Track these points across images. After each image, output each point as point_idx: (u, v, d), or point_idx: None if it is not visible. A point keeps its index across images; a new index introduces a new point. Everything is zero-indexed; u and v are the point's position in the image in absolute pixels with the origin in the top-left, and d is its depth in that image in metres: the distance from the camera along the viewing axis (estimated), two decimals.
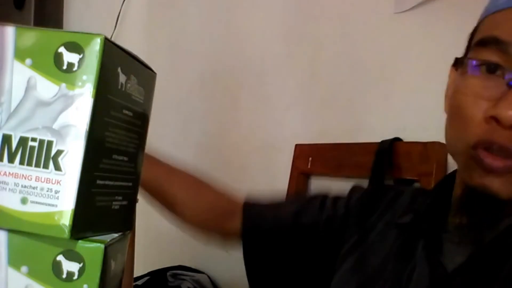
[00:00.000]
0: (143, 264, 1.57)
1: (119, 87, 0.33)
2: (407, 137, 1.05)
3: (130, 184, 0.37)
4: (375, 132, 1.13)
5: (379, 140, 1.07)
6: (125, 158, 0.35)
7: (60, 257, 0.31)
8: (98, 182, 0.32)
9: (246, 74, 1.51)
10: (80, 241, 0.31)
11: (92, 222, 0.32)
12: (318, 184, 1.28)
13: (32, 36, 0.31)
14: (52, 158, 0.30)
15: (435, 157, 0.95)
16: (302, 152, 1.28)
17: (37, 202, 0.30)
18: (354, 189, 0.69)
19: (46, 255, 0.31)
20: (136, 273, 1.24)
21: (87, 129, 0.30)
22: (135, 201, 0.38)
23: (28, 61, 0.31)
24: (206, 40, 1.66)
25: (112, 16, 1.82)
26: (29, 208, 0.31)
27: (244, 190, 1.50)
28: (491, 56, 0.48)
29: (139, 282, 1.50)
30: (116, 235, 0.34)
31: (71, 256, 0.31)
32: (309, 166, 1.25)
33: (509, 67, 0.47)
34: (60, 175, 0.30)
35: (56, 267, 0.31)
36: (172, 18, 1.80)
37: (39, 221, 0.30)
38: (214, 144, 1.61)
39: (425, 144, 0.98)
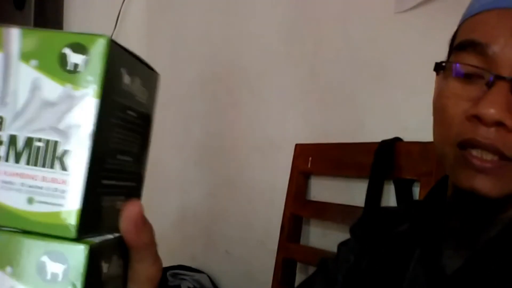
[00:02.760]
0: None
1: (124, 87, 0.33)
2: (407, 137, 1.05)
3: (134, 184, 0.37)
4: (375, 132, 1.13)
5: (380, 140, 1.07)
6: (129, 159, 0.35)
7: (44, 258, 0.30)
8: (103, 182, 0.32)
9: (246, 74, 1.51)
10: (65, 241, 0.30)
11: (97, 222, 0.32)
12: (318, 184, 1.28)
13: (37, 37, 0.31)
14: (58, 158, 0.31)
15: (435, 157, 0.95)
16: (302, 152, 1.28)
17: (43, 202, 0.31)
18: (352, 227, 0.69)
19: (31, 256, 0.30)
20: None
21: (93, 130, 0.31)
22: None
23: (33, 62, 0.31)
24: (206, 40, 1.66)
25: (112, 16, 1.82)
26: (36, 207, 0.31)
27: (244, 189, 1.51)
28: (470, 58, 0.49)
29: None
30: (111, 236, 0.34)
31: (56, 257, 0.30)
32: (309, 166, 1.25)
33: (488, 68, 0.48)
34: (66, 175, 0.31)
35: (41, 268, 0.30)
36: (172, 18, 1.80)
37: (45, 220, 0.30)
38: (215, 143, 1.61)
39: (425, 144, 0.98)
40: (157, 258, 0.36)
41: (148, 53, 1.89)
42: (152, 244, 0.35)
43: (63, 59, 0.31)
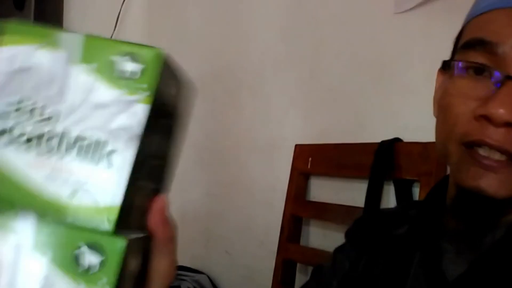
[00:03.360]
0: None
1: (166, 97, 0.36)
2: (407, 137, 1.05)
3: (160, 187, 0.39)
4: (375, 132, 1.13)
5: (379, 140, 1.07)
6: (161, 163, 0.38)
7: (82, 249, 0.32)
8: (139, 183, 0.34)
9: (246, 74, 1.51)
10: (104, 234, 0.32)
11: (130, 220, 0.34)
12: (318, 184, 1.28)
13: (97, 43, 0.34)
14: (105, 156, 0.33)
15: (435, 157, 0.95)
16: (302, 152, 1.28)
17: (85, 196, 0.32)
18: (347, 232, 0.68)
19: (69, 245, 0.32)
20: None
21: (140, 133, 0.33)
22: None
23: (90, 66, 0.34)
24: (206, 41, 1.66)
25: (112, 16, 1.82)
26: (78, 201, 0.32)
27: (244, 190, 1.51)
28: (478, 57, 0.48)
29: None
30: (138, 234, 0.35)
31: (94, 248, 0.32)
32: (309, 166, 1.25)
33: (496, 67, 0.47)
34: (110, 173, 0.33)
35: (78, 258, 0.32)
36: (172, 18, 1.80)
37: (85, 213, 0.32)
38: (214, 144, 1.61)
39: (425, 144, 0.98)
40: (176, 256, 0.37)
41: None
42: (175, 238, 0.37)
43: (119, 66, 0.34)
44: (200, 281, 1.52)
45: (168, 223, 0.36)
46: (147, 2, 1.88)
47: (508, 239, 0.49)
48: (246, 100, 1.51)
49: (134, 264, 0.34)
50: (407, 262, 0.55)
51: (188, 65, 1.66)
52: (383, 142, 1.06)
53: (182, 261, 1.60)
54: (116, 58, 0.33)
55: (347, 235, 0.67)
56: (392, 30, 1.12)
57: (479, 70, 0.48)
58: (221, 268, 1.55)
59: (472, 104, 0.47)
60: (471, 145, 0.47)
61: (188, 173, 1.71)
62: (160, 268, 0.37)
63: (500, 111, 0.45)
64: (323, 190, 1.26)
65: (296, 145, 1.29)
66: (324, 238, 1.26)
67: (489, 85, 0.47)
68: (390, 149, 1.05)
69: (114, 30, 1.80)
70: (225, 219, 1.55)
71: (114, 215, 0.32)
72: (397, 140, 1.06)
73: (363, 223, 0.67)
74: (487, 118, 0.46)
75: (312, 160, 1.24)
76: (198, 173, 1.67)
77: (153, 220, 0.35)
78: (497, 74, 0.47)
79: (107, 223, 0.32)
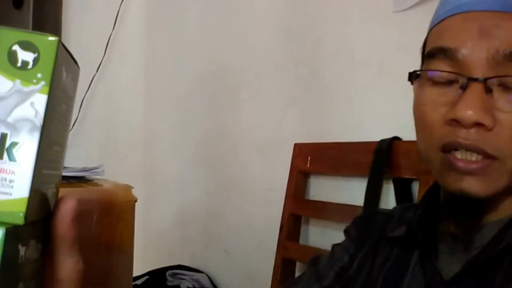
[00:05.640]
0: (143, 263, 1.57)
1: (62, 83, 0.35)
2: (406, 136, 1.05)
3: (59, 172, 0.39)
4: (374, 131, 1.13)
5: (378, 139, 1.07)
6: (59, 149, 0.38)
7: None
8: (44, 172, 0.34)
9: (245, 73, 1.51)
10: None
11: (38, 208, 0.34)
12: (317, 183, 1.28)
13: None
14: (7, 149, 0.32)
15: None
16: (301, 151, 1.28)
17: None
18: (346, 228, 0.69)
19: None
20: (136, 273, 1.24)
21: (41, 123, 0.32)
22: (58, 188, 0.39)
23: None
24: (205, 40, 1.66)
25: (111, 16, 1.82)
26: None
27: (243, 189, 1.51)
28: (441, 65, 0.50)
29: (138, 282, 1.50)
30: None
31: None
32: (308, 165, 1.25)
33: (460, 72, 0.49)
34: (14, 166, 0.32)
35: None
36: (171, 18, 1.80)
37: None
38: (214, 143, 1.61)
39: None
40: (79, 258, 0.37)
41: (146, 53, 1.89)
42: (78, 238, 0.37)
43: (13, 55, 0.32)
44: (200, 280, 1.52)
45: (75, 225, 0.36)
46: (145, 2, 1.88)
47: (498, 240, 0.50)
48: (245, 99, 1.51)
49: (28, 250, 0.34)
50: (405, 262, 0.57)
51: (187, 64, 1.67)
52: (382, 140, 1.07)
53: (182, 260, 1.60)
54: (9, 47, 0.33)
55: (347, 231, 0.68)
56: (391, 29, 1.12)
57: (444, 77, 0.50)
58: (221, 267, 1.56)
59: (442, 110, 0.49)
60: (448, 150, 0.49)
61: (187, 172, 1.71)
62: (65, 270, 0.36)
63: (468, 113, 0.47)
64: (322, 189, 1.26)
65: (295, 144, 1.30)
66: (323, 236, 1.26)
67: (455, 89, 0.49)
68: (389, 147, 1.05)
69: (113, 29, 1.80)
70: (225, 218, 1.56)
71: (24, 208, 0.32)
72: (396, 138, 1.06)
73: (362, 222, 0.67)
74: (457, 121, 0.48)
75: (311, 159, 1.25)
76: (198, 172, 1.67)
77: (61, 223, 0.35)
78: (460, 78, 0.49)
79: (18, 216, 0.32)
